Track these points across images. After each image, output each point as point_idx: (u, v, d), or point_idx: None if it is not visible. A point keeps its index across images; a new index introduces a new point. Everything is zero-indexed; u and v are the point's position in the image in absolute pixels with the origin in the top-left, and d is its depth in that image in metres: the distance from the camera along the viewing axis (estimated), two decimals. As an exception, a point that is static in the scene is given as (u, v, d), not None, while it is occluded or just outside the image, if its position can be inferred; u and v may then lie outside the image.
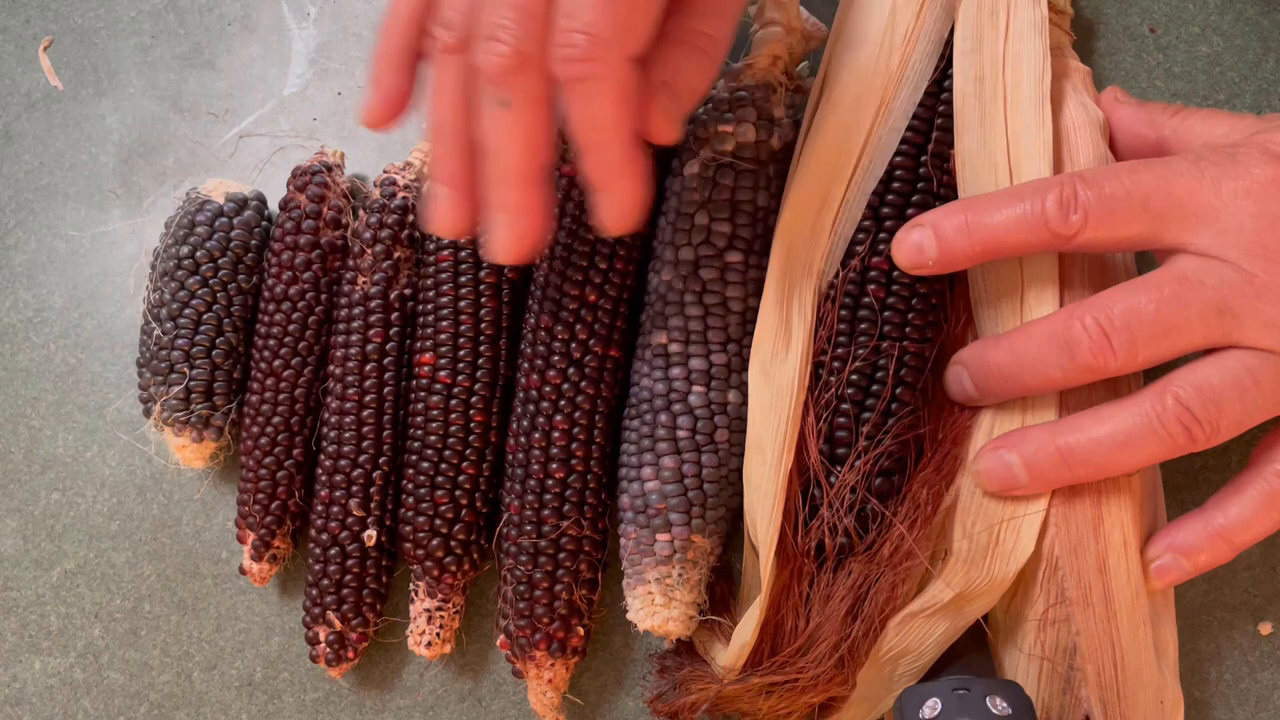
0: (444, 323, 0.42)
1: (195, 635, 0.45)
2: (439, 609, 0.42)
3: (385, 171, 0.45)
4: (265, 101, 0.50)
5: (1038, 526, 0.38)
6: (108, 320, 0.48)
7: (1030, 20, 0.41)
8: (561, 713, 0.41)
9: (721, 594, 0.41)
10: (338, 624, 0.42)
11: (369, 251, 0.44)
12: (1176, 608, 0.40)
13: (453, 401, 0.42)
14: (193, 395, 0.43)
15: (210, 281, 0.44)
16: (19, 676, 0.46)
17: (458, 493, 0.42)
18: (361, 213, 0.45)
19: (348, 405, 0.43)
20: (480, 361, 0.42)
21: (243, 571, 0.44)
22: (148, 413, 0.43)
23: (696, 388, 0.40)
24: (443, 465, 0.42)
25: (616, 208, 0.33)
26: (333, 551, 0.42)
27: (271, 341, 0.43)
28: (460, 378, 0.42)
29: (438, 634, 0.42)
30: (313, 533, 0.43)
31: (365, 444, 0.42)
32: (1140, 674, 0.37)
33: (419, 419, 0.42)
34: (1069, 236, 0.35)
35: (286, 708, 0.45)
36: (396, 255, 0.44)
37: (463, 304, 0.42)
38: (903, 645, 0.38)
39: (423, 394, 0.42)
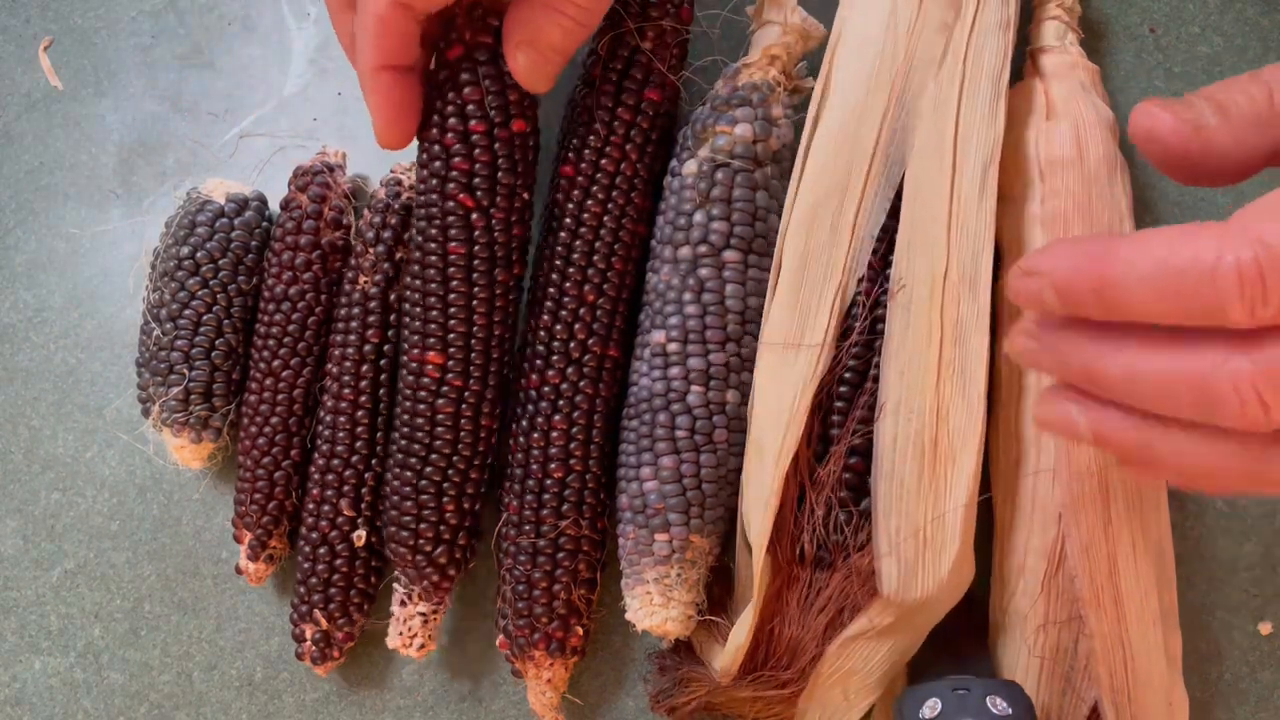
0: (454, 321, 0.39)
1: (195, 635, 0.45)
2: (434, 612, 0.42)
3: (391, 171, 0.45)
4: (265, 101, 0.50)
5: (960, 520, 0.37)
6: (108, 320, 0.48)
7: (997, 17, 0.41)
8: (561, 712, 0.41)
9: (719, 594, 0.41)
10: (324, 623, 0.42)
11: (371, 251, 0.44)
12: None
13: (463, 406, 0.40)
14: (192, 396, 0.43)
15: (210, 282, 0.44)
16: (19, 676, 0.46)
17: (464, 501, 0.41)
18: (366, 212, 0.45)
19: (342, 405, 0.43)
20: (491, 365, 0.40)
21: (239, 571, 0.44)
22: (146, 413, 0.44)
23: (695, 387, 0.40)
24: (450, 472, 0.40)
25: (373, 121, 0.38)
26: (322, 550, 0.42)
27: (271, 342, 0.43)
28: (472, 381, 0.40)
29: (430, 636, 0.42)
30: (303, 531, 0.43)
31: (358, 444, 0.42)
32: (1150, 675, 0.37)
33: (421, 421, 0.40)
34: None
35: (286, 708, 0.45)
36: (399, 256, 0.44)
37: (476, 303, 0.39)
38: (847, 667, 0.38)
39: (425, 395, 0.40)
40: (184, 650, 0.45)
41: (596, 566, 0.41)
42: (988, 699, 0.34)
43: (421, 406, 0.40)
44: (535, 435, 0.41)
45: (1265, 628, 0.42)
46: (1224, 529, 0.43)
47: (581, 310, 0.41)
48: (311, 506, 0.43)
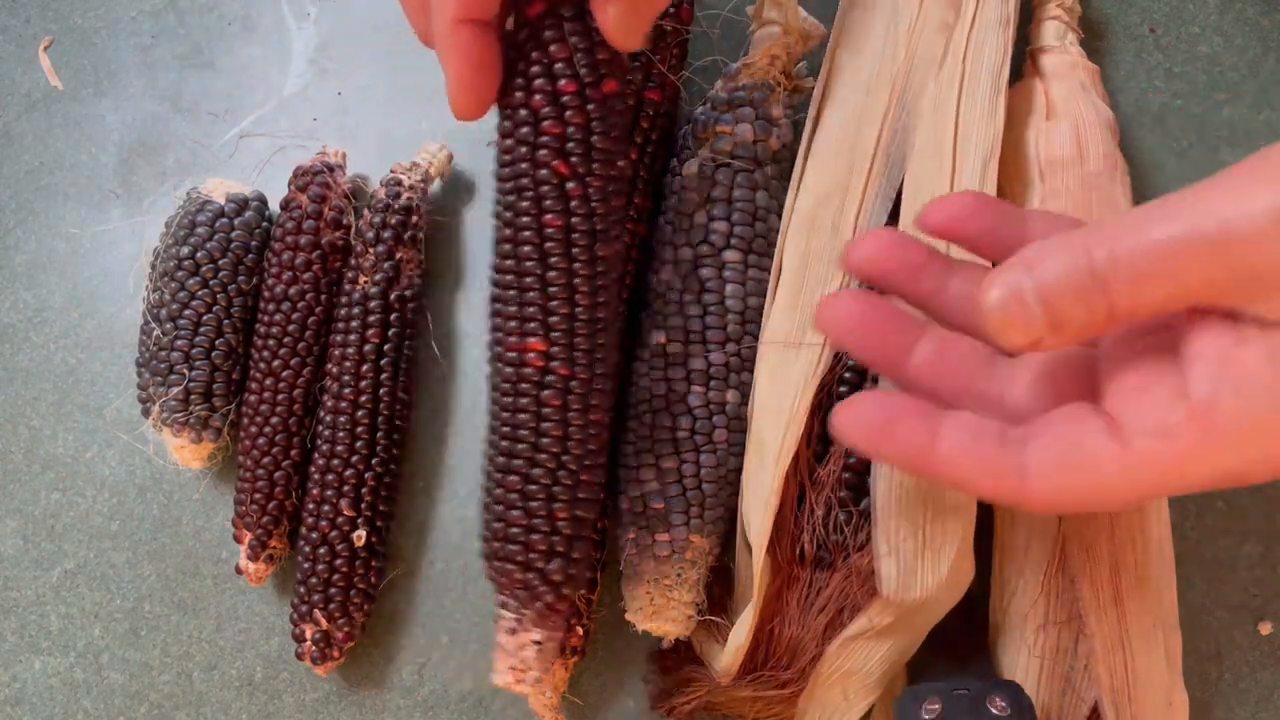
0: (555, 303, 0.34)
1: (195, 635, 0.45)
2: (549, 639, 0.36)
3: (391, 171, 0.45)
4: (265, 101, 0.50)
5: (960, 520, 0.37)
6: (107, 320, 0.48)
7: (996, 17, 0.41)
8: (561, 713, 0.41)
9: (720, 594, 0.41)
10: (324, 623, 0.42)
11: (371, 251, 0.44)
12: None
13: (570, 398, 0.35)
14: (192, 396, 0.43)
15: (210, 282, 0.44)
16: (19, 676, 0.46)
17: (578, 507, 0.35)
18: (366, 212, 0.45)
19: (342, 405, 0.43)
20: (598, 352, 0.35)
21: (239, 571, 0.44)
22: (146, 413, 0.44)
23: (695, 388, 0.40)
24: (561, 474, 0.35)
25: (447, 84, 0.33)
26: (322, 550, 0.42)
27: (271, 342, 0.43)
28: (578, 369, 0.34)
29: (546, 669, 0.37)
30: (303, 531, 0.43)
31: (358, 444, 0.42)
32: (1150, 675, 0.37)
33: (525, 417, 0.35)
34: None
35: (286, 708, 0.45)
36: (399, 256, 0.44)
37: (578, 281, 0.34)
38: (847, 667, 0.38)
39: (528, 388, 0.35)
40: (184, 650, 0.45)
41: (597, 567, 0.41)
42: (987, 699, 0.34)
43: (524, 401, 0.35)
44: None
45: (1265, 628, 0.42)
46: (1224, 529, 0.43)
47: (581, 310, 0.41)
48: (311, 506, 0.43)
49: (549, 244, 0.34)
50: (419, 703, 0.44)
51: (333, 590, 0.42)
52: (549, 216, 0.34)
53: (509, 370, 0.35)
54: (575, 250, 0.34)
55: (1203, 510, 0.43)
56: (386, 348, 0.43)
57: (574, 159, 0.34)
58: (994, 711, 0.34)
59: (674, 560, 0.39)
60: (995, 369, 0.31)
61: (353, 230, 0.45)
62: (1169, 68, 0.47)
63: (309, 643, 0.42)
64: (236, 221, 0.45)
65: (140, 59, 0.51)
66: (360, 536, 0.42)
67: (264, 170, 0.49)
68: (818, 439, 0.40)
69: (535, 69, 0.33)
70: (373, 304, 0.43)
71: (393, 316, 0.44)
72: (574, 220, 0.34)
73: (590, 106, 0.33)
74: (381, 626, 0.45)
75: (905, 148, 0.40)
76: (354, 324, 0.43)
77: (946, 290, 0.32)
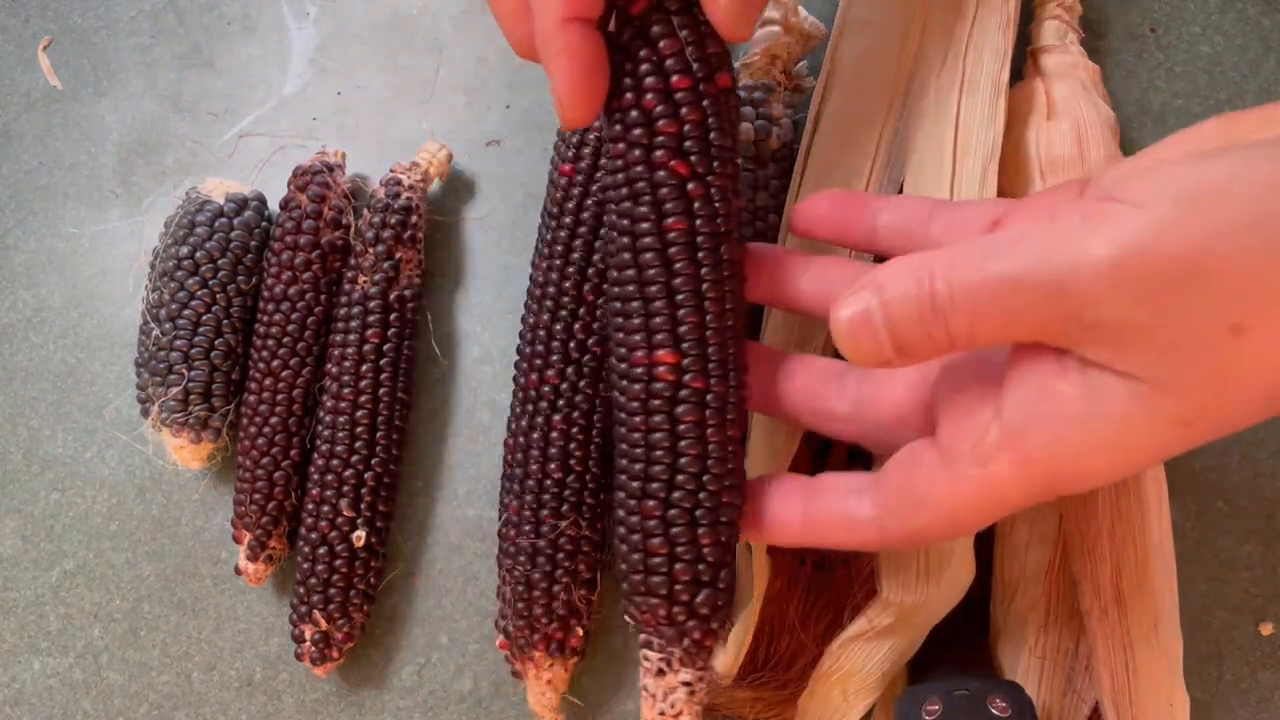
0: (684, 311, 0.31)
1: (195, 636, 0.45)
2: (699, 679, 0.32)
3: (391, 171, 0.45)
4: (265, 101, 0.50)
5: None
6: (107, 320, 0.48)
7: (997, 17, 0.41)
8: (560, 713, 0.41)
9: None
10: (323, 623, 0.42)
11: (370, 251, 0.44)
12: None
13: (708, 412, 0.31)
14: (191, 397, 0.43)
15: (210, 282, 0.44)
16: (18, 677, 0.46)
17: (721, 531, 0.32)
18: (366, 212, 0.45)
19: (342, 405, 0.42)
20: (729, 361, 0.32)
21: (239, 572, 0.44)
22: (146, 413, 0.43)
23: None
24: (703, 496, 0.31)
25: (553, 88, 0.31)
26: (321, 551, 0.42)
27: (270, 342, 0.43)
28: (713, 381, 0.32)
29: (698, 712, 0.33)
30: (303, 531, 0.43)
31: (358, 444, 0.42)
32: (1151, 677, 0.37)
33: (660, 436, 0.31)
34: None
35: (286, 708, 0.45)
36: (398, 256, 0.44)
37: (706, 286, 0.31)
38: (847, 667, 0.38)
39: (659, 404, 0.31)
40: (183, 651, 0.45)
41: (596, 567, 0.41)
42: (988, 699, 0.34)
43: (658, 419, 0.32)
44: (535, 435, 0.41)
45: (1266, 628, 0.42)
46: (1225, 529, 0.43)
47: (581, 310, 0.41)
48: (311, 507, 0.43)
49: (672, 249, 0.31)
50: (419, 703, 0.44)
51: (332, 591, 0.42)
52: (671, 220, 0.31)
53: (637, 387, 0.32)
54: (701, 254, 0.32)
55: (1203, 511, 0.43)
56: (386, 348, 0.43)
57: (693, 158, 0.32)
58: (995, 712, 0.34)
59: (674, 560, 0.39)
60: None
61: (352, 230, 0.45)
62: (1170, 67, 0.47)
63: (308, 643, 0.42)
64: (236, 221, 0.45)
65: (140, 59, 0.51)
66: (360, 537, 0.42)
67: (263, 170, 0.49)
68: (818, 439, 0.40)
69: (645, 66, 0.31)
70: (372, 304, 0.43)
71: (392, 316, 0.43)
72: (697, 222, 0.32)
73: (705, 102, 0.31)
74: (381, 627, 0.45)
75: (906, 148, 0.40)
76: (353, 324, 0.43)
77: (878, 231, 0.33)
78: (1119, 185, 0.24)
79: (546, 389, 0.41)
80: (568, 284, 0.41)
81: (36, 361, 0.48)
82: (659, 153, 0.31)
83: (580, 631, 0.41)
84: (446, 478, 0.46)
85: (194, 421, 0.43)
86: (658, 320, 0.32)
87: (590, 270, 0.41)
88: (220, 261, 0.44)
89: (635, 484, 0.32)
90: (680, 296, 0.31)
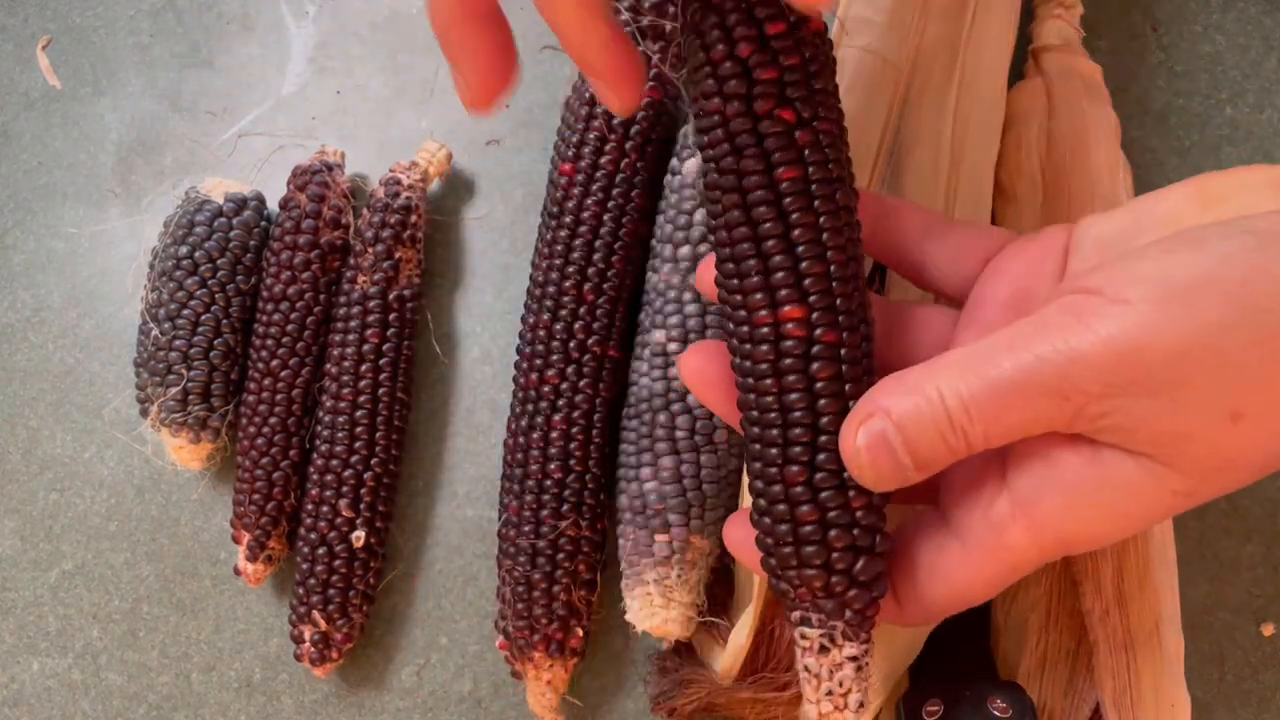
0: (806, 263, 0.29)
1: (194, 636, 0.45)
2: (866, 654, 0.30)
3: (390, 170, 0.45)
4: (264, 100, 0.50)
5: None
6: (106, 320, 0.48)
7: (998, 17, 0.41)
8: (560, 714, 0.41)
9: (720, 595, 0.41)
10: (323, 624, 0.42)
11: (370, 251, 0.44)
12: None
13: (844, 367, 0.29)
14: (190, 397, 0.43)
15: (209, 282, 0.44)
16: (17, 678, 0.46)
17: (873, 495, 0.29)
18: (365, 211, 0.45)
19: (341, 405, 0.42)
20: (857, 313, 0.30)
21: (238, 572, 0.43)
22: (145, 413, 0.43)
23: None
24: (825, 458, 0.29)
25: (610, 91, 0.30)
26: (320, 551, 0.42)
27: (270, 341, 0.43)
28: (846, 334, 0.29)
29: (866, 689, 0.30)
30: (302, 531, 0.43)
31: (358, 444, 0.42)
32: (1152, 678, 0.37)
33: (795, 397, 0.29)
34: None
35: (285, 709, 0.45)
36: (398, 255, 0.44)
37: (826, 235, 0.29)
38: None
39: (792, 363, 0.29)
40: (182, 651, 0.45)
41: (596, 567, 0.41)
42: (989, 700, 0.34)
43: (791, 379, 0.29)
44: (535, 435, 0.41)
45: (1268, 629, 0.42)
46: (1226, 529, 0.43)
47: (581, 310, 0.41)
48: (310, 507, 0.43)
49: (787, 199, 0.29)
50: (418, 704, 0.44)
51: (332, 591, 0.42)
52: (782, 169, 0.29)
53: (764, 348, 0.30)
54: (818, 202, 0.30)
55: (1204, 511, 0.43)
56: (385, 348, 0.43)
57: (797, 104, 0.30)
58: (995, 712, 0.33)
59: (674, 561, 0.39)
60: None
61: (351, 230, 0.45)
62: (1171, 67, 0.47)
63: (308, 644, 0.42)
64: (235, 221, 0.45)
65: (139, 58, 0.51)
66: (359, 537, 0.42)
67: (263, 169, 0.49)
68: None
69: (734, 17, 0.29)
70: (372, 304, 0.43)
71: (392, 316, 0.43)
72: (810, 169, 0.30)
73: (803, 47, 0.30)
74: (381, 627, 0.45)
75: (906, 148, 0.40)
76: (353, 324, 0.43)
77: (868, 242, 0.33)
78: (1102, 279, 0.25)
79: (546, 389, 0.41)
80: (568, 284, 0.41)
81: (36, 361, 0.48)
82: (760, 102, 0.29)
83: (580, 632, 0.41)
84: (446, 478, 0.46)
85: (193, 421, 0.43)
86: (779, 275, 0.29)
87: (590, 270, 0.41)
88: (219, 261, 0.44)
89: (773, 450, 0.30)
90: (801, 248, 0.29)
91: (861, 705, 0.30)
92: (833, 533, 0.29)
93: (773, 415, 0.30)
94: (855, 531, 0.29)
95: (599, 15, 0.28)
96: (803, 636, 0.30)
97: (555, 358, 0.41)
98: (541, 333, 0.41)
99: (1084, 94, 0.42)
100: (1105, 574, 0.37)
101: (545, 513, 0.40)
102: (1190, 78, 0.47)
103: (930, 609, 0.29)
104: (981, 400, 0.25)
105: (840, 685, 0.30)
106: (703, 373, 0.32)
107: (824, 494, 0.29)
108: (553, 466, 0.40)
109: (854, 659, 0.29)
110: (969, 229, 0.32)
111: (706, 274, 0.32)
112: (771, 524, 0.30)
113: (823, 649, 0.30)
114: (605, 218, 0.41)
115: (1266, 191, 0.27)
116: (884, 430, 0.27)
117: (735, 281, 0.30)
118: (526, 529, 0.40)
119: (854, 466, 0.28)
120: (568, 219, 0.41)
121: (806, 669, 0.30)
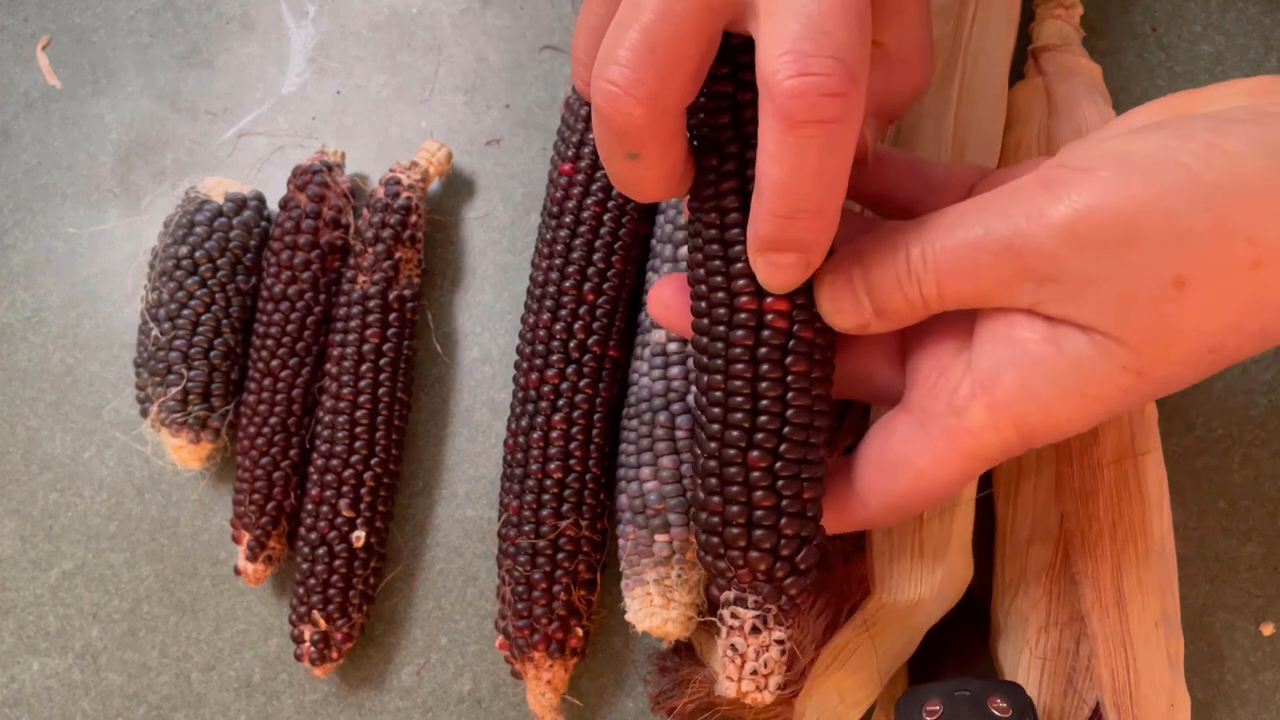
0: None
1: (194, 636, 0.45)
2: (793, 638, 0.32)
3: (390, 170, 0.45)
4: (264, 100, 0.50)
5: (957, 521, 0.37)
6: (106, 320, 0.48)
7: (998, 16, 0.41)
8: (560, 714, 0.41)
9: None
10: (322, 624, 0.42)
11: (370, 251, 0.44)
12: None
13: (815, 364, 0.31)
14: (190, 397, 0.43)
15: (209, 282, 0.44)
16: (17, 677, 0.46)
17: (819, 489, 0.31)
18: (365, 211, 0.45)
19: (341, 405, 0.42)
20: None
21: (238, 572, 0.43)
22: (145, 413, 0.43)
23: (696, 386, 0.39)
24: (807, 450, 0.30)
25: (790, 270, 0.29)
26: (320, 551, 0.42)
27: (270, 341, 0.43)
28: (818, 333, 0.31)
29: (785, 670, 0.32)
30: (302, 531, 0.43)
31: (358, 444, 0.42)
32: (1152, 678, 0.37)
33: (766, 385, 0.30)
34: None
35: (285, 709, 0.45)
36: (398, 255, 0.44)
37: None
38: (844, 668, 0.38)
39: (768, 352, 0.30)
40: (182, 651, 0.45)
41: (596, 567, 0.41)
42: (989, 700, 0.34)
43: (766, 368, 0.30)
44: (535, 435, 0.41)
45: (1267, 629, 0.42)
46: (1226, 529, 0.43)
47: (581, 310, 0.41)
48: (310, 507, 0.43)
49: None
50: (418, 704, 0.44)
51: (331, 591, 0.42)
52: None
53: (741, 333, 0.30)
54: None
55: (1204, 511, 0.43)
56: (386, 347, 0.43)
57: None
58: (995, 712, 0.33)
59: (674, 561, 0.39)
60: None
61: (351, 230, 0.45)
62: (1171, 67, 0.47)
63: (308, 644, 0.42)
64: (235, 221, 0.45)
65: (138, 58, 0.51)
66: (359, 537, 0.42)
67: (262, 169, 0.49)
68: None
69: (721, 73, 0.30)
70: (372, 304, 0.43)
71: (392, 316, 0.43)
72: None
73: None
74: (381, 627, 0.45)
75: (906, 147, 0.40)
76: (353, 324, 0.43)
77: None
78: (1073, 155, 0.26)
79: (546, 389, 0.41)
80: (568, 284, 0.41)
81: (35, 361, 0.48)
82: (750, 125, 0.30)
83: (580, 632, 0.41)
84: (446, 478, 0.46)
85: (193, 421, 0.43)
86: None
87: (590, 270, 0.41)
88: (219, 261, 0.44)
89: (736, 433, 0.30)
90: None
91: (781, 686, 0.31)
92: (784, 520, 0.30)
93: (740, 399, 0.30)
94: (802, 521, 0.30)
95: (679, 136, 0.29)
96: (734, 616, 0.31)
97: (555, 358, 0.41)
98: (541, 333, 0.41)
99: (1084, 94, 0.42)
100: (1105, 574, 0.37)
101: (545, 513, 0.40)
102: (1190, 78, 0.47)
103: (896, 504, 0.30)
104: (939, 253, 0.27)
105: (765, 666, 0.31)
106: (669, 305, 0.34)
107: (780, 482, 0.30)
108: (553, 466, 0.40)
109: (780, 642, 0.31)
110: (951, 165, 0.34)
111: (661, 295, 0.34)
112: (723, 504, 0.30)
113: (754, 630, 0.31)
114: (605, 218, 0.41)
115: (1242, 99, 0.28)
116: (851, 272, 0.29)
117: (719, 263, 0.31)
118: (526, 529, 0.40)
119: (820, 301, 0.30)
120: (568, 219, 0.41)
121: (734, 648, 0.31)
